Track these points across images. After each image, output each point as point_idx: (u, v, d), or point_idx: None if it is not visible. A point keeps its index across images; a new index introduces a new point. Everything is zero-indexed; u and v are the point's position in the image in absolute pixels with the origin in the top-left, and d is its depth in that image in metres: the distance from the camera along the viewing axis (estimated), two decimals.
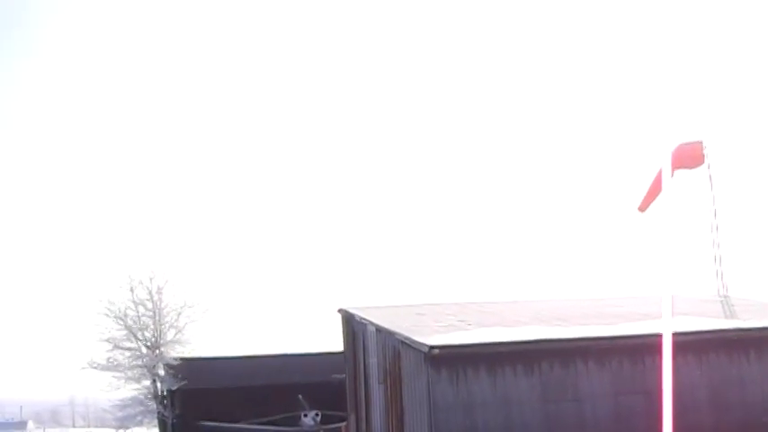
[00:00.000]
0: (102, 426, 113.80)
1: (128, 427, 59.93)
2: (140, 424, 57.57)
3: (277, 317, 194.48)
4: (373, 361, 32.65)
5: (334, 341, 40.56)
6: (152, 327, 53.09)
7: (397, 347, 29.22)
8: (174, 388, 51.44)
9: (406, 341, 27.48)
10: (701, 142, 34.08)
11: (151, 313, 53.06)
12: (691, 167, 33.55)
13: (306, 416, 52.64)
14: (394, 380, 29.82)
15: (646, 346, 25.31)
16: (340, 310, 36.51)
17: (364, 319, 33.36)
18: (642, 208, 32.90)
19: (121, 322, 52.69)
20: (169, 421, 52.66)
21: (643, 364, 26.14)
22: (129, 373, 53.09)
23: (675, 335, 6.35)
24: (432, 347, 25.55)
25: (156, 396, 53.45)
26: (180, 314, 53.19)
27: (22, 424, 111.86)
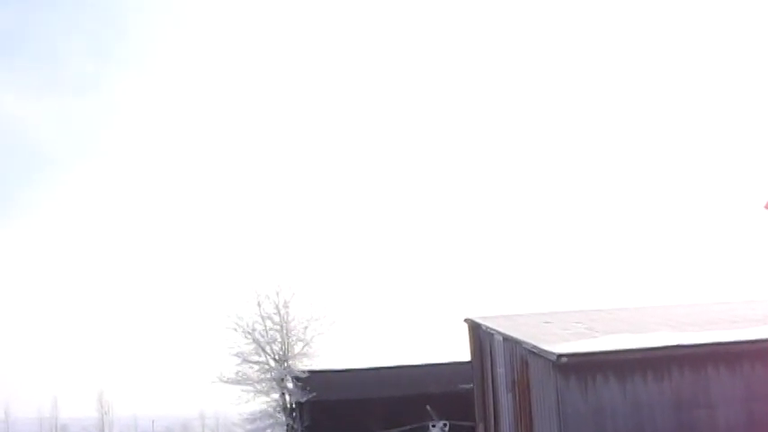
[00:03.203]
0: None
1: None
2: None
3: (403, 327, 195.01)
4: (501, 370, 32.69)
5: (460, 351, 40.66)
6: (280, 340, 53.87)
7: (524, 356, 29.24)
8: (302, 400, 52.07)
9: (534, 350, 27.49)
10: None
11: (279, 327, 53.86)
12: None
13: (434, 426, 52.78)
14: (522, 389, 29.83)
15: None
16: (466, 320, 36.62)
17: (491, 328, 33.42)
18: None
19: (250, 336, 53.62)
20: None
21: None
22: (258, 387, 53.97)
23: None
24: (560, 356, 25.54)
25: (284, 408, 54.19)
26: (307, 327, 53.91)
27: None
